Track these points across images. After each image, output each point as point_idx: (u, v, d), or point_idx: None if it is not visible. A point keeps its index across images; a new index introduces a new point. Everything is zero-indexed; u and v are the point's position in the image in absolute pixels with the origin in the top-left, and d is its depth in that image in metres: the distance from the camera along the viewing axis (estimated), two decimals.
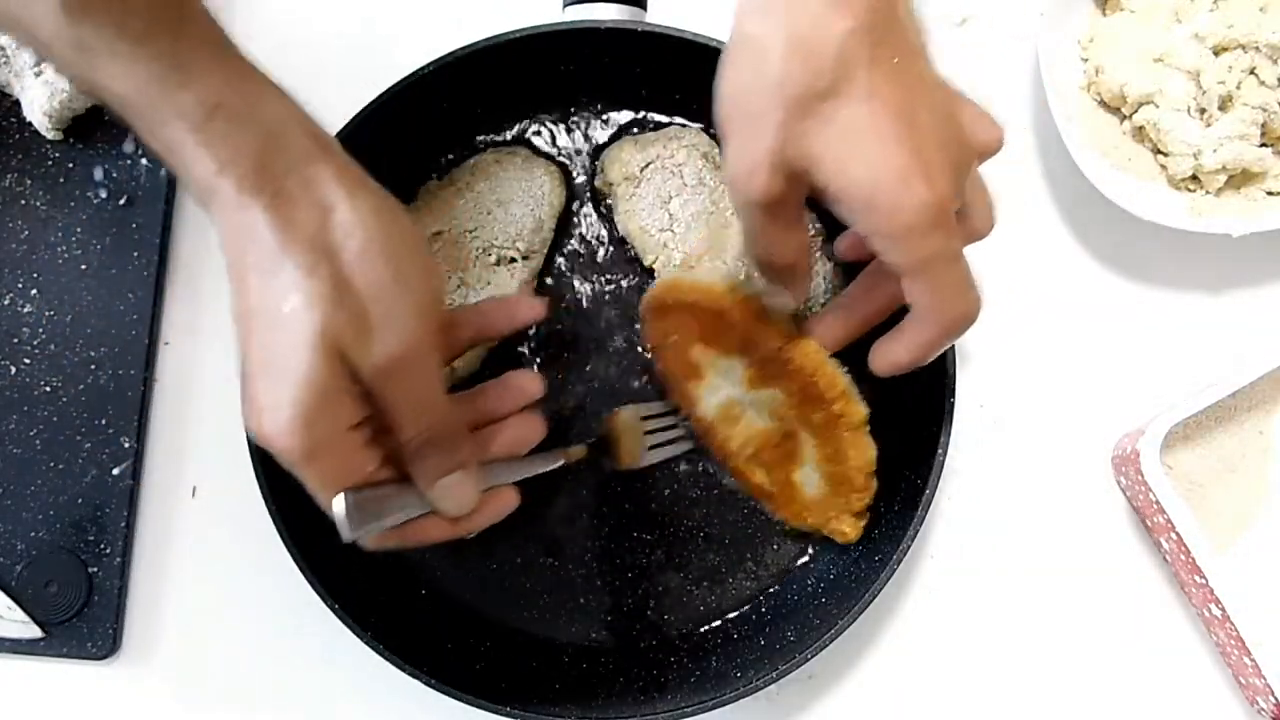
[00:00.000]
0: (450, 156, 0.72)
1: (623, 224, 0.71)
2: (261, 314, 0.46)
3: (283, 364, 0.45)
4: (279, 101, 0.48)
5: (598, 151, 0.73)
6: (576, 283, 0.72)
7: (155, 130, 0.46)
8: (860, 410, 0.63)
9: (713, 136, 0.72)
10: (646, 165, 0.70)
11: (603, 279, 0.72)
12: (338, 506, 0.49)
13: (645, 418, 0.69)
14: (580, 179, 0.73)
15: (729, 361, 0.65)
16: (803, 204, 0.50)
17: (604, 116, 0.73)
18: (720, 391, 0.66)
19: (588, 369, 0.71)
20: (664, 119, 0.73)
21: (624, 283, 0.72)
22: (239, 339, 0.48)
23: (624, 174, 0.70)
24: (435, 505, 0.53)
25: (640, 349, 0.71)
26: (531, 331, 0.71)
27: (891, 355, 0.56)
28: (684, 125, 0.73)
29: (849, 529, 0.67)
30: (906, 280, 0.49)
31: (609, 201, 0.72)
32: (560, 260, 0.72)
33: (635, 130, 0.73)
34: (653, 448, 0.69)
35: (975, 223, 0.55)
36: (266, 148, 0.46)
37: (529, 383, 0.60)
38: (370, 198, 0.48)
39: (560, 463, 0.63)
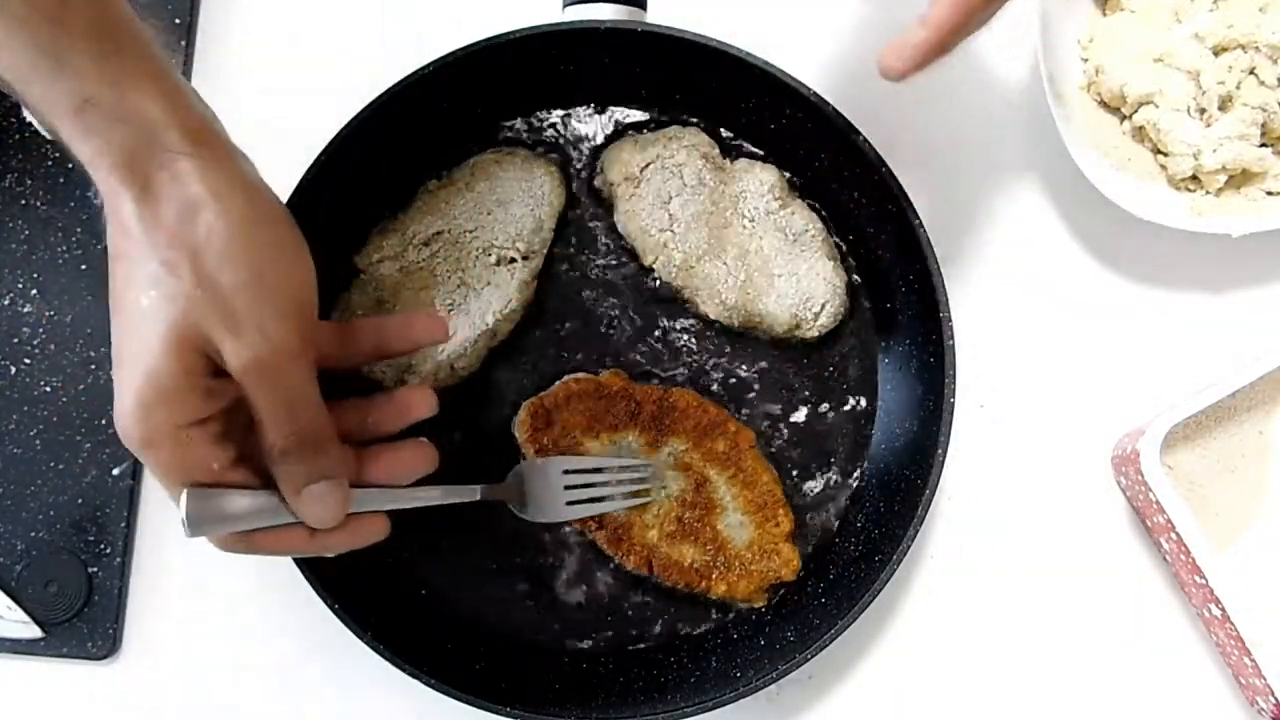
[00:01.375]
0: (450, 157, 0.72)
1: (623, 224, 0.71)
2: (124, 304, 0.47)
3: (134, 353, 0.46)
4: (155, 97, 0.47)
5: (598, 151, 0.73)
6: (576, 282, 0.72)
7: (36, 109, 0.47)
8: (749, 430, 0.68)
9: (712, 136, 0.72)
10: (646, 165, 0.70)
11: (603, 278, 0.72)
12: (181, 502, 0.48)
13: (570, 471, 0.67)
14: (580, 179, 0.73)
15: (621, 438, 0.68)
16: None
17: (604, 116, 0.73)
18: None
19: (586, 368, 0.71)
20: (664, 119, 0.73)
21: (624, 282, 0.72)
22: (112, 310, 0.48)
23: (624, 174, 0.70)
24: (297, 512, 0.51)
25: (650, 340, 0.71)
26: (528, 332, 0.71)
27: (905, 42, 0.54)
28: (684, 125, 0.73)
29: (789, 556, 0.67)
30: None
31: (609, 202, 0.72)
32: (560, 260, 0.72)
33: (635, 130, 0.73)
34: (571, 504, 0.67)
35: None
36: (137, 143, 0.46)
37: (418, 400, 0.57)
38: (239, 199, 0.47)
39: (442, 500, 0.59)
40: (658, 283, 0.72)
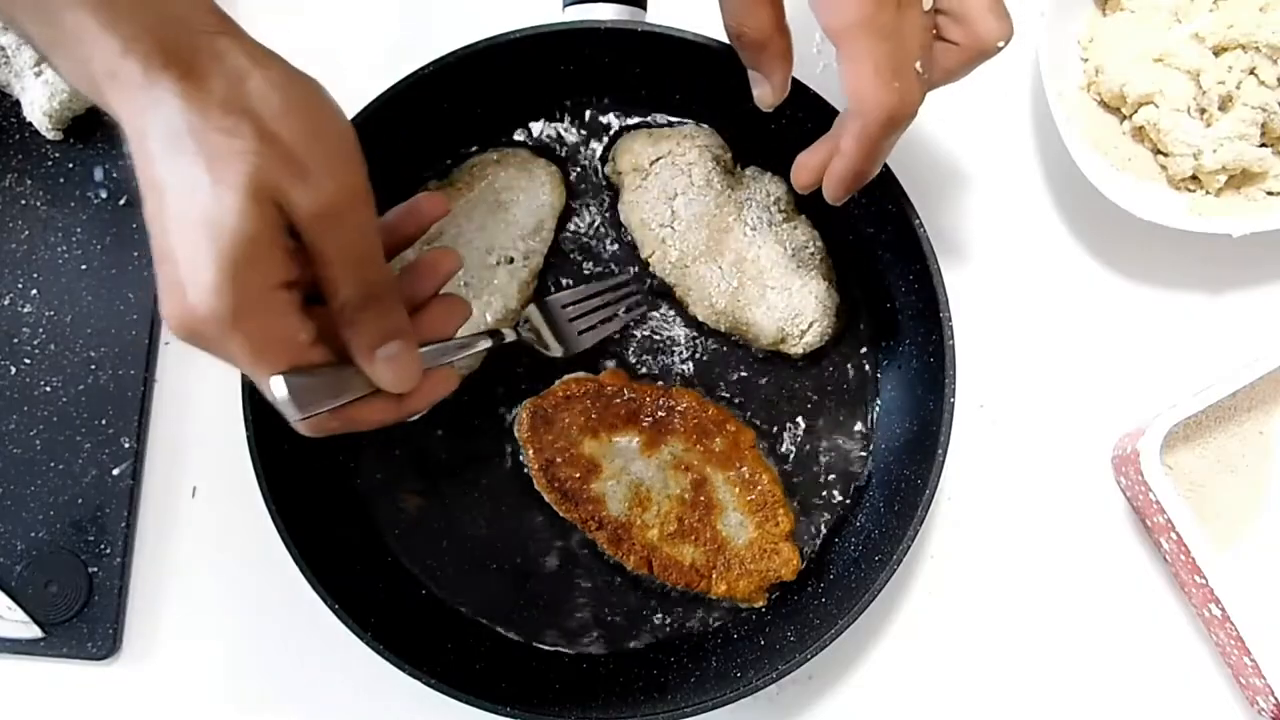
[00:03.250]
0: (450, 157, 0.72)
1: (625, 214, 0.71)
2: (177, 186, 0.44)
3: (205, 224, 0.43)
4: None
5: (598, 151, 0.73)
6: (576, 281, 0.72)
7: (55, 18, 0.45)
8: (749, 430, 0.69)
9: (723, 136, 0.72)
10: (657, 159, 0.70)
11: (603, 278, 0.72)
12: (278, 387, 0.46)
13: (567, 305, 0.69)
14: (580, 179, 0.73)
15: (621, 439, 0.68)
16: None
17: (604, 117, 0.73)
18: (623, 478, 0.68)
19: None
20: (664, 118, 0.73)
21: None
22: (150, 226, 0.45)
23: (633, 165, 0.70)
24: (375, 378, 0.50)
25: (650, 340, 0.71)
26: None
27: (803, 164, 0.58)
28: (699, 125, 0.73)
29: (789, 556, 0.67)
30: (838, 53, 0.50)
31: (616, 190, 0.72)
32: (560, 260, 0.72)
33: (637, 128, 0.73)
34: (583, 332, 0.69)
35: (976, 27, 0.54)
36: (171, 25, 0.45)
37: (446, 259, 0.57)
38: (283, 67, 0.47)
39: (484, 346, 0.61)
40: (656, 283, 0.72)
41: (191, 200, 0.44)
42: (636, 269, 0.72)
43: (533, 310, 0.69)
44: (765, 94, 0.59)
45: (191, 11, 0.46)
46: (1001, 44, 0.54)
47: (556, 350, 0.68)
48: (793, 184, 0.61)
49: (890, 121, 0.52)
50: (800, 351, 0.70)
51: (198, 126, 0.44)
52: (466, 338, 0.59)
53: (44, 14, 0.45)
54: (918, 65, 0.53)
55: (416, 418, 0.55)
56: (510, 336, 0.64)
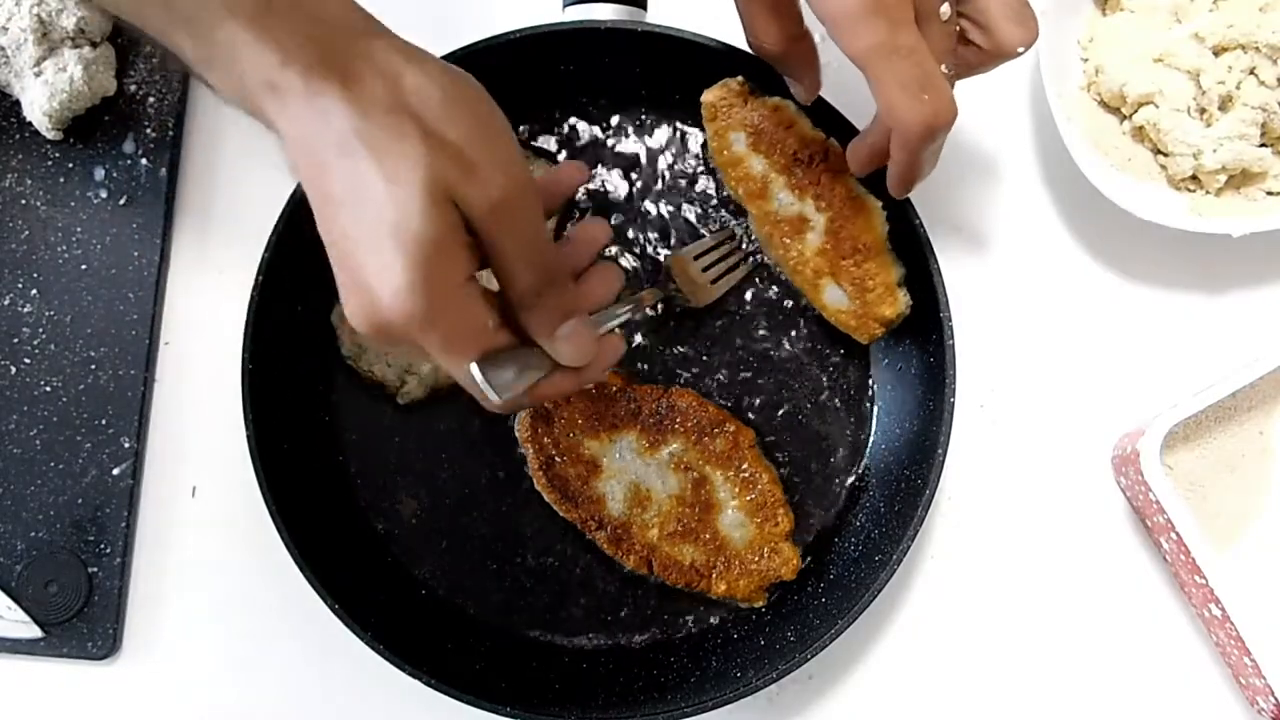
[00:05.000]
0: None
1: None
2: (351, 192, 0.45)
3: (388, 228, 0.44)
4: None
5: (598, 151, 0.73)
6: None
7: (209, 33, 0.45)
8: (749, 430, 0.69)
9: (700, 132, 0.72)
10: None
11: None
12: (476, 375, 0.48)
13: (698, 256, 0.71)
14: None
15: (621, 439, 0.68)
16: None
17: (604, 117, 0.73)
18: (623, 478, 0.68)
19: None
20: (663, 118, 0.73)
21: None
22: (326, 235, 0.46)
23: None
24: (557, 355, 0.51)
25: (649, 338, 0.71)
26: None
27: (853, 152, 0.61)
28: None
29: (789, 556, 0.67)
30: (865, 75, 0.51)
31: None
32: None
33: (637, 127, 0.73)
34: (715, 281, 0.71)
35: (997, 34, 0.55)
36: (325, 32, 0.45)
37: (598, 230, 0.58)
38: (434, 62, 0.48)
39: (645, 307, 0.67)
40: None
41: (370, 205, 0.44)
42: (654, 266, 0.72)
43: (674, 263, 0.70)
44: (799, 93, 0.63)
45: (342, 15, 0.47)
46: (1023, 49, 0.55)
47: (696, 301, 0.70)
48: (850, 168, 0.63)
49: (927, 132, 0.53)
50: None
51: (364, 131, 0.44)
52: (626, 301, 0.62)
53: (197, 30, 0.46)
54: (945, 68, 0.53)
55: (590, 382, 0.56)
56: (659, 295, 0.68)
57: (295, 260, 0.67)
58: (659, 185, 0.73)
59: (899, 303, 0.67)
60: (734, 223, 0.72)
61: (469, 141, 0.46)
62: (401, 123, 0.45)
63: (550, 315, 0.50)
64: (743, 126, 0.68)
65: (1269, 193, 0.73)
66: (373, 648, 0.63)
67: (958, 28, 0.55)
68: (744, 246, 0.72)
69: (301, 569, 0.63)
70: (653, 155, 0.73)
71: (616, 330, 0.58)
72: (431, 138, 0.45)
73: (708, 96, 0.68)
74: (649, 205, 0.73)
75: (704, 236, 0.72)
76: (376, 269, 0.44)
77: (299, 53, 0.44)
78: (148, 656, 0.72)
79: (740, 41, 0.67)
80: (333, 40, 0.45)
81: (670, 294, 0.70)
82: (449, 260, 0.45)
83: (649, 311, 0.71)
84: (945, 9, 0.52)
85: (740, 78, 0.68)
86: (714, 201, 0.73)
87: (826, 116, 0.68)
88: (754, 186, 0.68)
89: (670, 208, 0.73)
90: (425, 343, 0.46)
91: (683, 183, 0.73)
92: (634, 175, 0.73)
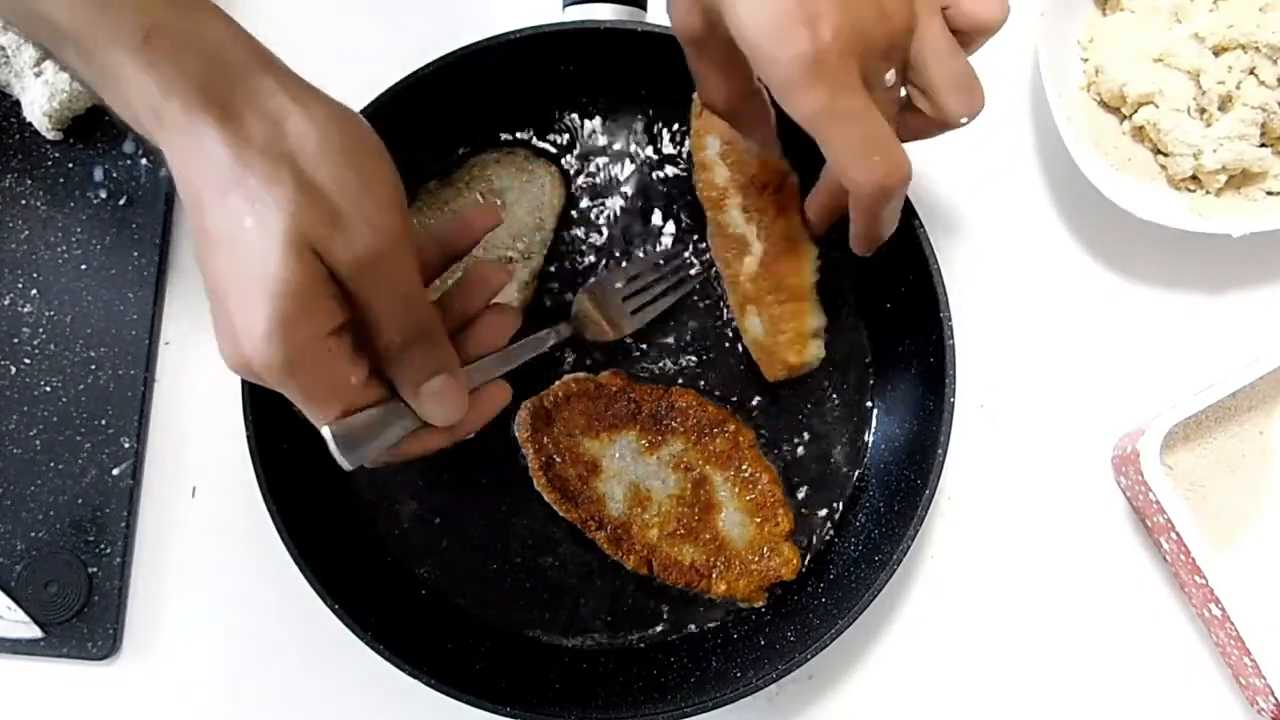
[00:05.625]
0: (450, 157, 0.72)
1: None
2: (223, 232, 0.45)
3: (253, 275, 0.44)
4: (217, 19, 0.47)
5: (598, 150, 0.73)
6: (576, 280, 0.72)
7: (94, 56, 0.45)
8: (749, 430, 0.69)
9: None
10: None
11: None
12: (327, 436, 0.48)
13: (620, 285, 0.70)
14: (580, 179, 0.73)
15: (621, 438, 0.68)
16: (728, 48, 0.51)
17: (604, 116, 0.73)
18: (623, 478, 0.68)
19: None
20: (663, 118, 0.73)
21: None
22: (202, 268, 0.46)
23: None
24: (422, 414, 0.51)
25: (649, 339, 0.71)
26: None
27: (809, 207, 0.63)
28: None
29: (789, 556, 0.67)
30: (815, 138, 0.51)
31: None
32: (559, 259, 0.72)
33: (637, 126, 0.73)
34: (635, 312, 0.70)
35: (940, 102, 0.54)
36: (209, 65, 0.45)
37: (494, 273, 0.58)
38: (321, 104, 0.47)
39: (547, 346, 0.64)
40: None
41: (241, 249, 0.44)
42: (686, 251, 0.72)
43: (582, 299, 0.69)
44: (753, 147, 0.64)
45: (230, 50, 0.46)
46: (966, 120, 0.54)
47: (609, 335, 0.69)
48: (806, 227, 0.65)
49: (881, 193, 0.52)
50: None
51: (240, 173, 0.44)
52: (518, 344, 0.61)
53: (84, 55, 0.46)
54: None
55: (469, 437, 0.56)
56: (564, 334, 0.66)
57: None
58: (659, 186, 0.73)
59: (806, 352, 0.68)
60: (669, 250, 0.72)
61: (341, 191, 0.45)
62: (277, 167, 0.44)
63: (415, 372, 0.50)
64: (719, 132, 0.68)
65: (1269, 193, 0.73)
66: (373, 648, 0.63)
67: (903, 93, 0.54)
68: (685, 267, 0.71)
69: (301, 569, 0.63)
70: (652, 156, 0.73)
71: (499, 380, 0.58)
72: (304, 186, 0.45)
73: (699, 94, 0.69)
74: (646, 206, 0.73)
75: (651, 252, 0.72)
76: (242, 314, 0.45)
77: (180, 85, 0.44)
78: (148, 656, 0.72)
79: None
80: (214, 75, 0.45)
81: (579, 332, 0.68)
82: (311, 313, 0.45)
83: (553, 351, 0.68)
84: (890, 75, 0.51)
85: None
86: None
87: (802, 149, 0.68)
88: (714, 195, 0.69)
89: (668, 207, 0.72)
90: (287, 393, 0.47)
91: (683, 183, 0.73)
92: (634, 175, 0.73)
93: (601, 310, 0.69)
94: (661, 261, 0.71)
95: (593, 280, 0.70)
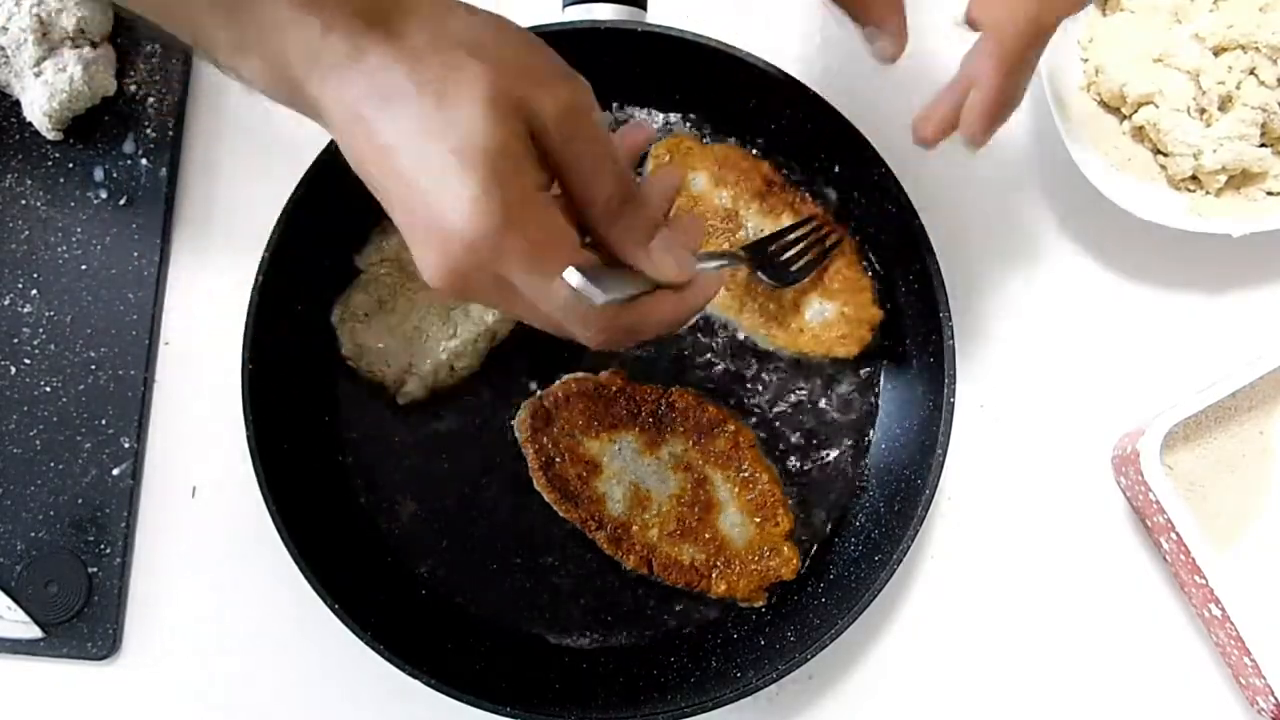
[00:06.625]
0: None
1: None
2: (409, 134, 0.44)
3: (455, 148, 0.43)
4: None
5: None
6: None
7: (248, 16, 0.45)
8: (749, 430, 0.69)
9: (722, 135, 0.72)
10: None
11: None
12: (572, 276, 0.44)
13: (773, 245, 0.68)
14: None
15: (622, 438, 0.68)
16: None
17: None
18: (623, 478, 0.68)
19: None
20: (663, 117, 0.73)
21: None
22: (384, 188, 0.45)
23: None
24: (656, 269, 0.49)
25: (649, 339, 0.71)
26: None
27: (932, 108, 0.58)
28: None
29: (789, 555, 0.68)
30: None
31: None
32: None
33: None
34: (796, 269, 0.69)
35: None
36: None
37: (673, 177, 0.55)
38: (470, 6, 0.47)
39: (735, 263, 0.64)
40: None
41: (432, 136, 0.43)
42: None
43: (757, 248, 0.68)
44: (885, 47, 0.58)
45: None
46: None
47: (779, 283, 0.68)
48: (915, 141, 0.59)
49: (1036, 30, 0.51)
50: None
51: (419, 75, 0.44)
52: (721, 253, 0.62)
53: (236, 15, 0.45)
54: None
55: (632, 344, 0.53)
56: (753, 262, 0.66)
57: (295, 260, 0.67)
58: None
59: (876, 313, 0.70)
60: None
61: (530, 57, 0.45)
62: (454, 57, 0.44)
63: (640, 226, 0.48)
64: (703, 167, 0.70)
65: (1269, 193, 0.73)
66: (373, 648, 0.63)
67: None
68: (823, 230, 0.70)
69: (301, 569, 0.63)
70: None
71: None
72: (487, 60, 0.44)
73: (658, 149, 0.70)
74: None
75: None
76: (445, 198, 0.43)
77: (342, 19, 0.44)
78: (148, 656, 0.72)
79: (738, 40, 0.68)
80: (369, 3, 0.45)
81: (762, 267, 0.67)
82: (519, 166, 0.44)
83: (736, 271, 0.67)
84: None
85: (690, 130, 0.72)
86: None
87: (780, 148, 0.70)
88: (715, 223, 0.70)
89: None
90: (509, 260, 0.44)
91: None
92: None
93: (765, 266, 0.68)
94: (808, 222, 0.70)
95: (755, 240, 0.69)
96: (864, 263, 0.71)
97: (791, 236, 0.69)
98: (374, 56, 0.44)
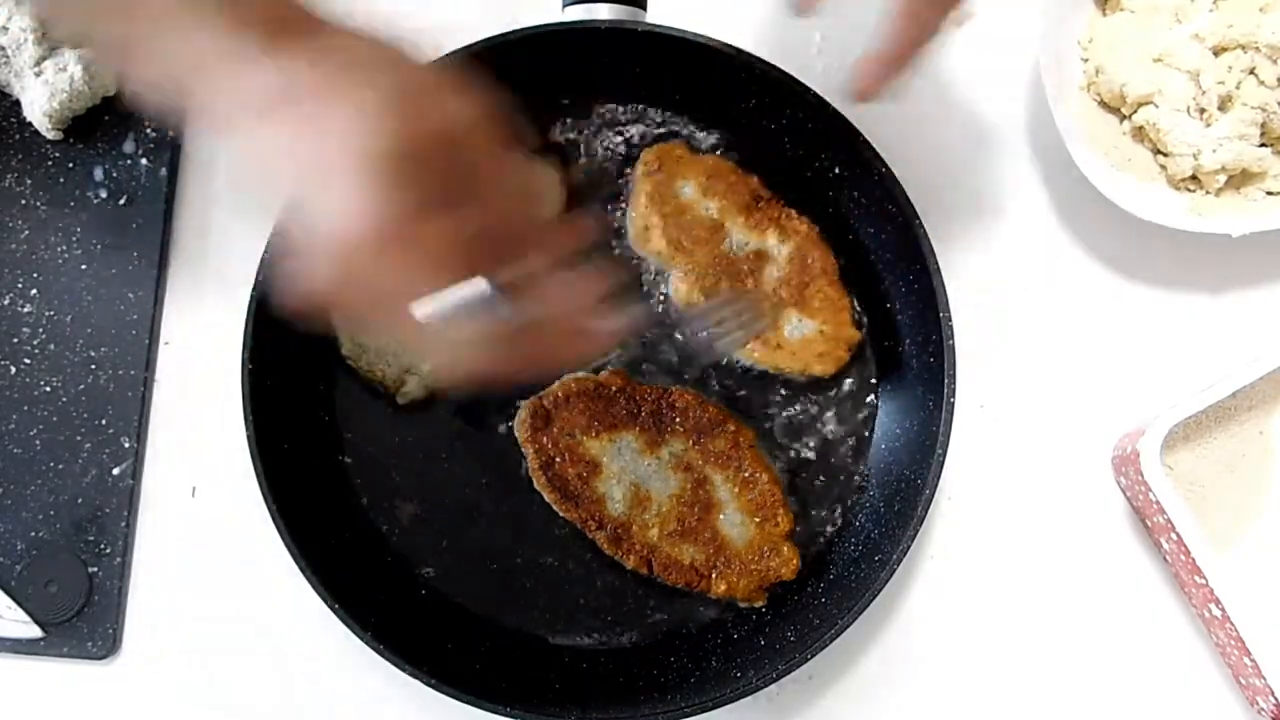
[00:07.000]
0: None
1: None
2: (307, 134, 0.43)
3: (348, 146, 0.42)
4: None
5: (597, 151, 0.73)
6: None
7: (142, 9, 0.45)
8: (749, 429, 0.69)
9: (721, 135, 0.72)
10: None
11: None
12: (477, 284, 0.44)
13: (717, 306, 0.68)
14: (580, 178, 0.73)
15: (622, 437, 0.68)
16: None
17: (604, 116, 0.73)
18: (623, 478, 0.68)
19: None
20: (663, 117, 0.73)
21: (624, 279, 0.72)
22: (273, 189, 0.45)
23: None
24: (521, 308, 0.48)
25: (649, 339, 0.71)
26: None
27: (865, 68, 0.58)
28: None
29: (789, 555, 0.68)
30: None
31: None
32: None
33: (636, 126, 0.73)
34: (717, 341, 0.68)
35: None
36: (277, 5, 0.46)
37: (587, 221, 0.57)
38: (370, 29, 0.48)
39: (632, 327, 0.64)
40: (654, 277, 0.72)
41: (329, 140, 0.43)
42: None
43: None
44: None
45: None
46: None
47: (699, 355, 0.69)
48: (852, 96, 0.60)
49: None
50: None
51: (322, 78, 0.44)
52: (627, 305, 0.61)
53: (128, 11, 0.45)
54: None
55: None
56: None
57: None
58: None
59: (854, 334, 0.70)
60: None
61: (432, 74, 0.46)
62: (358, 65, 0.44)
63: (516, 260, 0.47)
64: (692, 177, 0.70)
65: (1269, 193, 0.73)
66: (373, 648, 0.63)
67: None
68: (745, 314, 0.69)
69: (301, 569, 0.63)
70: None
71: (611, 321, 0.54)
72: (391, 72, 0.45)
73: (648, 155, 0.71)
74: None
75: None
76: (338, 196, 0.43)
77: (244, 24, 0.44)
78: (148, 656, 0.72)
79: (738, 40, 0.68)
80: (280, 8, 0.46)
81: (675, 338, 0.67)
82: (416, 178, 0.43)
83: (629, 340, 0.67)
84: None
85: (688, 130, 0.72)
86: None
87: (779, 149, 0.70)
88: (700, 233, 0.70)
89: None
90: (399, 267, 0.44)
91: None
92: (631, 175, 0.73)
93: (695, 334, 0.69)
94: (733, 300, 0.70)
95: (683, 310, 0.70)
96: (844, 283, 0.71)
97: (724, 310, 0.68)
98: (282, 59, 0.44)
